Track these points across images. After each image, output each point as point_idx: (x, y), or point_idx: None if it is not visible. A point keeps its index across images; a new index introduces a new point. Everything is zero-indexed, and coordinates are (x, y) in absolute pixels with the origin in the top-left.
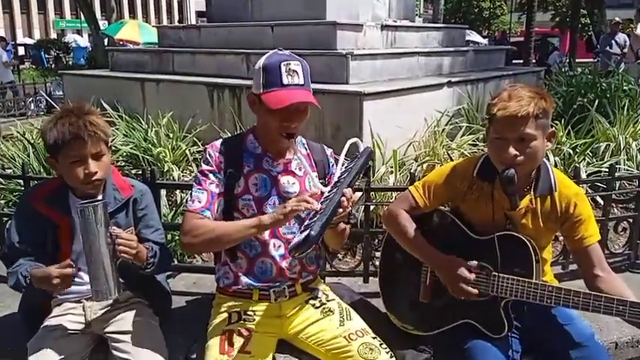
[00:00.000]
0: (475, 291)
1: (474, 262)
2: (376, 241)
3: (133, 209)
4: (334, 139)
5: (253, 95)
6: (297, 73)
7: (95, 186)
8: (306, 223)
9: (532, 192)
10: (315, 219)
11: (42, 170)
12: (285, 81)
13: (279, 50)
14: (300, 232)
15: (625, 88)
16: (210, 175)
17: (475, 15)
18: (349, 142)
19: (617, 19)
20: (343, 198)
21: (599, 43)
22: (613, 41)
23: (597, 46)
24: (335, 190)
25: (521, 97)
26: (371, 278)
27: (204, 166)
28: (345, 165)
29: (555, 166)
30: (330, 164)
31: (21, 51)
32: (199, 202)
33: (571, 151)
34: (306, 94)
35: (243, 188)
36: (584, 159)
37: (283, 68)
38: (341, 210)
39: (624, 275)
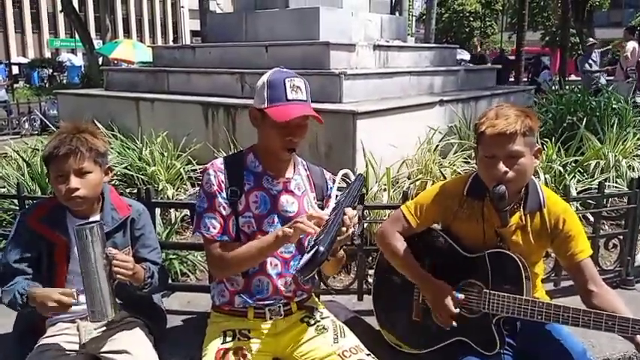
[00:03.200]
0: (453, 324)
1: (462, 296)
2: (370, 258)
3: (130, 229)
4: (328, 157)
5: (256, 110)
6: (301, 89)
7: (78, 203)
8: (310, 244)
9: (521, 209)
10: (320, 238)
11: (37, 189)
12: (290, 96)
13: (282, 68)
14: (307, 253)
15: (614, 106)
16: (218, 198)
17: (466, 34)
18: (340, 172)
19: (591, 39)
20: (346, 217)
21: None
22: (591, 61)
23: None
24: (336, 211)
25: (508, 116)
26: (365, 296)
27: (209, 189)
28: (340, 192)
29: (546, 183)
30: (329, 187)
31: (15, 70)
32: (214, 228)
33: (561, 169)
34: (309, 109)
35: (245, 206)
36: (574, 176)
37: (288, 84)
38: (344, 229)
39: (615, 292)
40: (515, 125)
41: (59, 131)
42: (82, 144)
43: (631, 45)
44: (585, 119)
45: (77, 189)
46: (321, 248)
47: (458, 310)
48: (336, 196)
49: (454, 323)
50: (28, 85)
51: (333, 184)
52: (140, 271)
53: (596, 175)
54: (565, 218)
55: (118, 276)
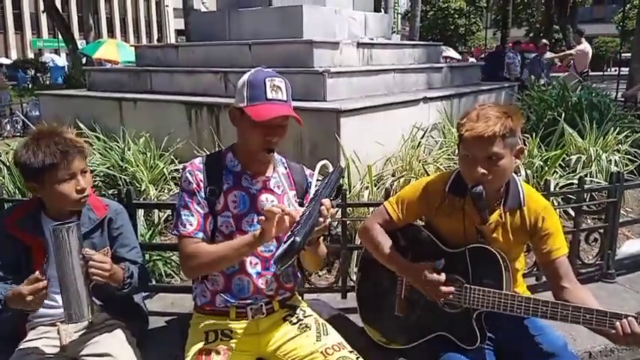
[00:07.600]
0: (451, 289)
1: (441, 262)
2: (354, 256)
3: (108, 229)
4: (312, 155)
5: (235, 109)
6: (281, 89)
7: (84, 203)
8: (288, 235)
9: (501, 207)
10: (296, 228)
11: (17, 192)
12: (270, 95)
13: (264, 68)
14: (284, 243)
15: (595, 101)
16: (196, 196)
17: (451, 31)
18: (319, 163)
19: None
20: (323, 207)
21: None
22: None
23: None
24: (313, 202)
25: (489, 118)
26: (349, 294)
27: (187, 187)
28: (318, 184)
29: (527, 178)
30: (309, 183)
31: None
32: (190, 225)
33: (542, 164)
34: (288, 109)
35: (223, 205)
36: (555, 171)
37: (268, 84)
38: (321, 219)
39: (597, 285)
40: (494, 128)
41: (37, 137)
42: (79, 144)
43: (580, 46)
44: (562, 114)
45: (86, 187)
46: (298, 238)
47: (444, 276)
48: (315, 186)
49: (451, 295)
50: (11, 86)
51: (312, 178)
52: (118, 272)
53: (577, 169)
54: (544, 216)
55: (95, 277)
